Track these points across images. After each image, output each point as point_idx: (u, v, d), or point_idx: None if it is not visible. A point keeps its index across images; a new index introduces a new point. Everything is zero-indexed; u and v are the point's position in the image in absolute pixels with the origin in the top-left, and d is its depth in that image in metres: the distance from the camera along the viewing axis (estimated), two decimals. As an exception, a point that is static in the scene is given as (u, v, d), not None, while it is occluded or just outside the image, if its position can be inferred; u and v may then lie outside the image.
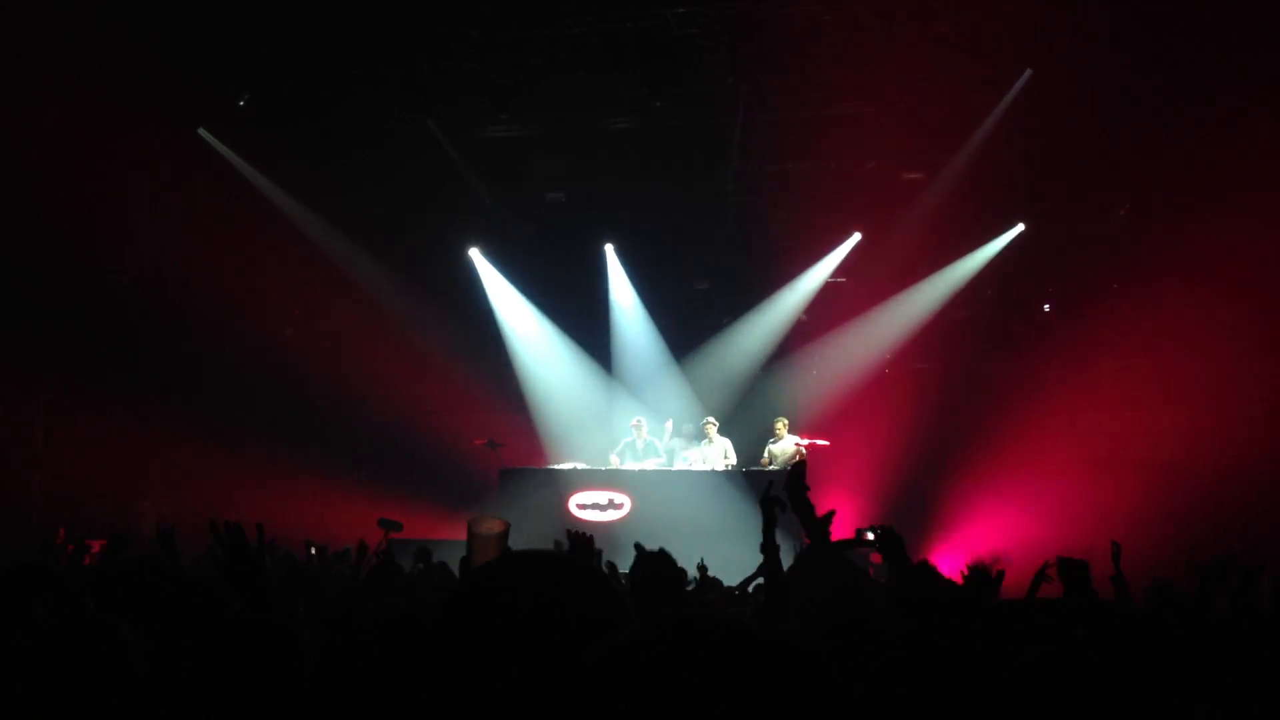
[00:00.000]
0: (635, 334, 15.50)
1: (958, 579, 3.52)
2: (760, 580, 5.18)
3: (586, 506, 12.29)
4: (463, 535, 6.53)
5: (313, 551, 7.81)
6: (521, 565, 1.40)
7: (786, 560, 3.54)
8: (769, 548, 3.32)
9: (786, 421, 12.89)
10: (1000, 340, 14.16)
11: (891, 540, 2.92)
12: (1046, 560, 4.87)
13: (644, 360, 15.39)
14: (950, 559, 10.41)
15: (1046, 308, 14.53)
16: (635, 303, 15.42)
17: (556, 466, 13.32)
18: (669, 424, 13.47)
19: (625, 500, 12.20)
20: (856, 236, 14.74)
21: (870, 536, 2.98)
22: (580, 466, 13.07)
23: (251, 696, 2.13)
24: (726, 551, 8.09)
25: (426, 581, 6.09)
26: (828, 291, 15.03)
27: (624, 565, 5.48)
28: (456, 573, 6.58)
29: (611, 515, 12.06)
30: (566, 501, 12.27)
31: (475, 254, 15.54)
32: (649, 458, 13.03)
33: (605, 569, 6.42)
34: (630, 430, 13.25)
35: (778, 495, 3.38)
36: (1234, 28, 10.55)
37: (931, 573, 2.80)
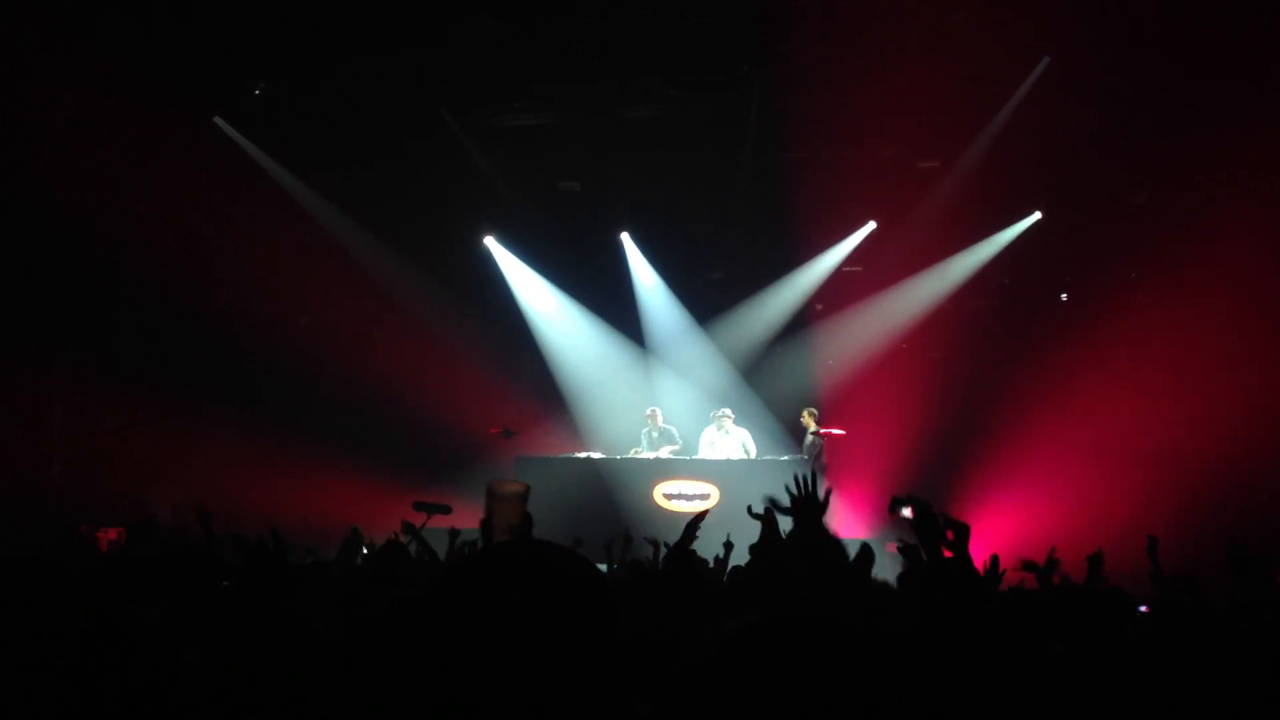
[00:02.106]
0: (663, 310, 15.50)
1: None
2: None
3: (674, 496, 12.42)
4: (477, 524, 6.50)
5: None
6: (507, 554, 1.40)
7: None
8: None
9: (810, 412, 12.99)
10: (1016, 328, 14.10)
11: (926, 519, 2.69)
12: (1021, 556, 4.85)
13: (676, 334, 15.41)
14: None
15: (1063, 296, 14.46)
16: (657, 281, 15.43)
17: (572, 454, 13.38)
18: (654, 411, 13.49)
19: (712, 490, 12.34)
20: (871, 225, 14.70)
21: (906, 512, 2.81)
22: (595, 455, 13.12)
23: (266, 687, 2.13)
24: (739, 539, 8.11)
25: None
26: (842, 280, 14.99)
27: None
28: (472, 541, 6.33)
29: (698, 505, 12.19)
30: (653, 490, 12.43)
31: (491, 242, 15.55)
32: (665, 444, 13.11)
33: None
34: (645, 420, 13.36)
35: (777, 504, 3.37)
36: (1259, 16, 10.45)
37: (964, 566, 2.73)
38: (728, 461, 12.62)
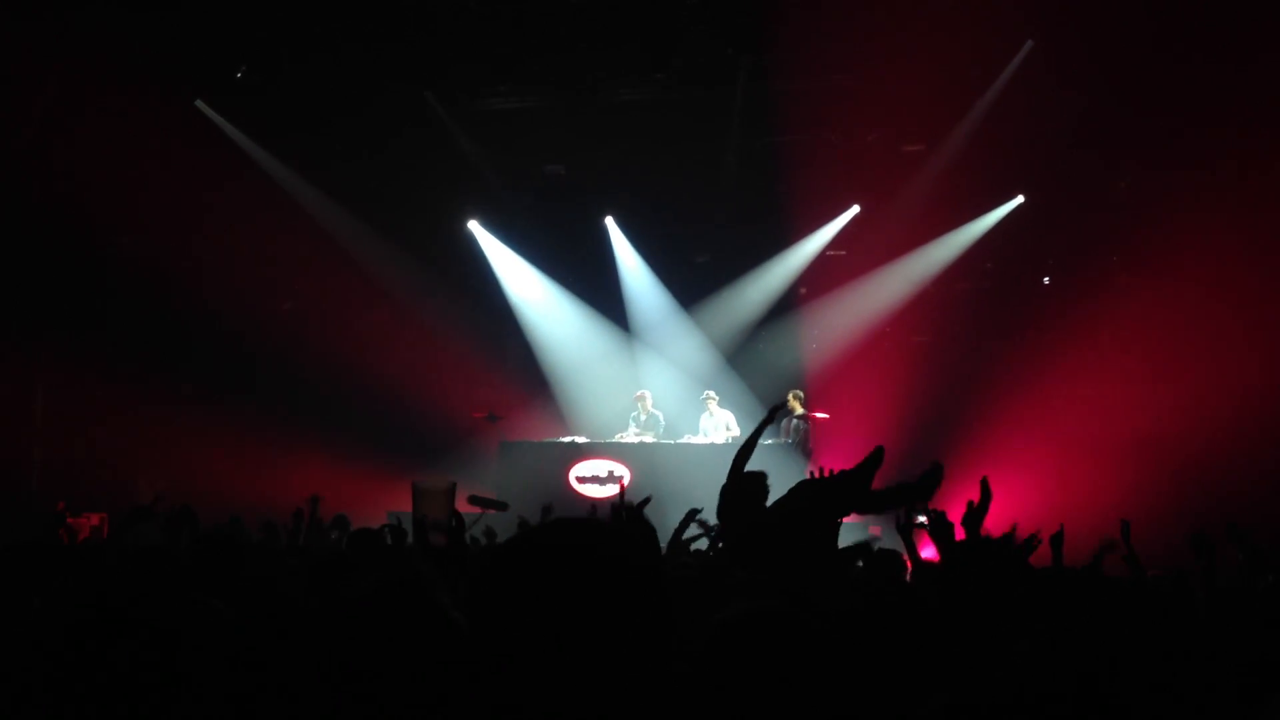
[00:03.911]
0: (648, 295, 15.49)
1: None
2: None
3: (586, 480, 12.45)
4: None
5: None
6: (560, 530, 1.38)
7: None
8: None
9: (796, 395, 12.98)
10: (999, 312, 14.13)
11: (942, 527, 2.95)
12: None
13: (660, 318, 15.42)
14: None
15: (1046, 280, 14.51)
16: (641, 266, 15.39)
17: (556, 439, 13.39)
18: (644, 394, 13.52)
19: (625, 472, 12.29)
20: (855, 209, 14.70)
21: (922, 520, 3.04)
22: (580, 439, 13.14)
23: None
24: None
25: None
26: (826, 263, 15.00)
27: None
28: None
29: (611, 489, 12.10)
30: (566, 474, 12.44)
31: (475, 226, 15.47)
32: (651, 429, 13.12)
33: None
34: (635, 403, 13.39)
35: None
36: (1243, 4, 10.50)
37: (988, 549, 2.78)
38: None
